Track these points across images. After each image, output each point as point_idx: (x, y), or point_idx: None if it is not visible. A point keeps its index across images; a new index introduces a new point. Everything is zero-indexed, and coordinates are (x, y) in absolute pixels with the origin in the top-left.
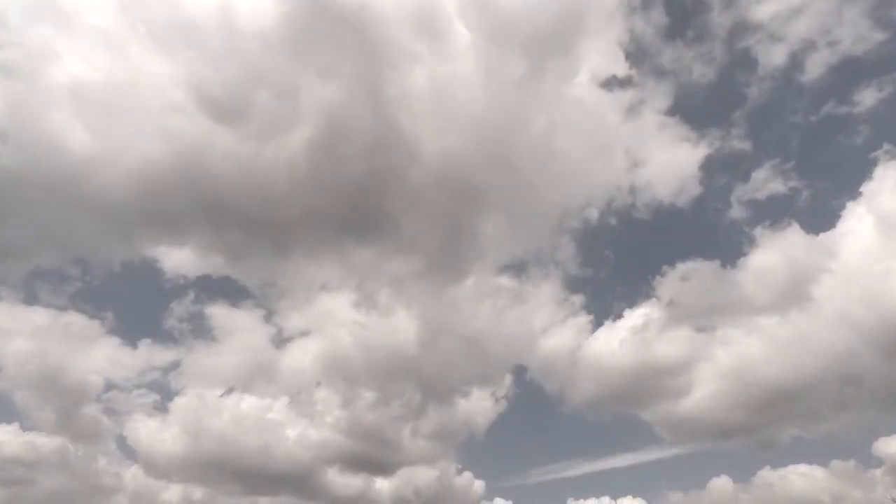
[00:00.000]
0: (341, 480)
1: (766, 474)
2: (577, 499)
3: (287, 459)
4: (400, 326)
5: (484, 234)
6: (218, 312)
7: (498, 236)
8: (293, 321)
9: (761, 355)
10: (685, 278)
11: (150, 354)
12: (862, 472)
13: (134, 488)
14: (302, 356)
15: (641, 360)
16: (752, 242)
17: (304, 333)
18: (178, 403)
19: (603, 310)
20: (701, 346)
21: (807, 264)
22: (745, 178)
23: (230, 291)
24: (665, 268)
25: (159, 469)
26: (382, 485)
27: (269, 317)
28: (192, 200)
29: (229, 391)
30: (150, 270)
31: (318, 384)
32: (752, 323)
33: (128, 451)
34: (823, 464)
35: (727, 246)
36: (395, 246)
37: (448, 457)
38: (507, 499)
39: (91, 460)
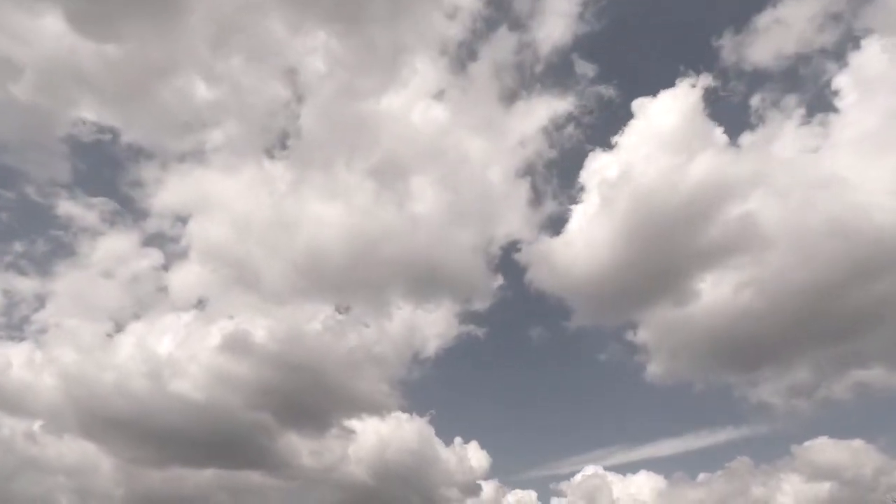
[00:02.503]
0: (301, 446)
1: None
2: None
3: (207, 413)
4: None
5: None
6: (67, 211)
7: None
8: (162, 199)
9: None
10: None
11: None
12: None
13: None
14: (188, 263)
15: (662, 199)
16: None
17: (183, 219)
18: (49, 345)
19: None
20: (763, 161)
21: None
22: None
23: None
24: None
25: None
26: (352, 451)
27: (130, 206)
28: None
29: (111, 323)
30: None
31: (207, 303)
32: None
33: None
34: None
35: None
36: None
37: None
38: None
39: None
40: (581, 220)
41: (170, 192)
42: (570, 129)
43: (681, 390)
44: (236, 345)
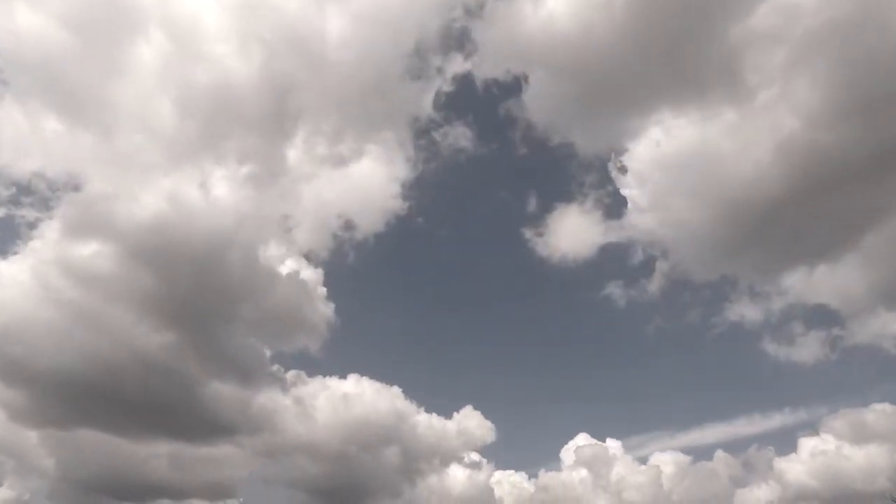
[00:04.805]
0: (228, 392)
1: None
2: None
3: (95, 344)
4: None
5: None
6: None
7: None
8: None
9: None
10: None
11: None
12: None
13: None
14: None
15: None
16: None
17: None
18: None
19: None
20: None
21: None
22: None
23: None
24: None
25: None
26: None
27: None
28: None
29: None
30: None
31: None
32: None
33: None
34: None
35: None
36: None
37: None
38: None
39: None
40: None
41: None
42: None
43: (691, 341)
44: (96, 229)
